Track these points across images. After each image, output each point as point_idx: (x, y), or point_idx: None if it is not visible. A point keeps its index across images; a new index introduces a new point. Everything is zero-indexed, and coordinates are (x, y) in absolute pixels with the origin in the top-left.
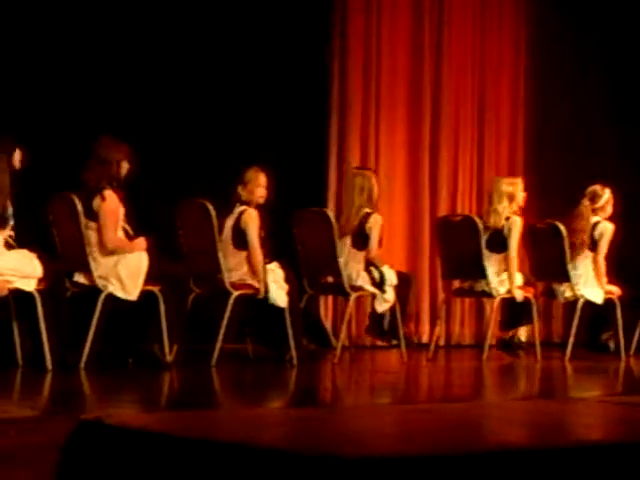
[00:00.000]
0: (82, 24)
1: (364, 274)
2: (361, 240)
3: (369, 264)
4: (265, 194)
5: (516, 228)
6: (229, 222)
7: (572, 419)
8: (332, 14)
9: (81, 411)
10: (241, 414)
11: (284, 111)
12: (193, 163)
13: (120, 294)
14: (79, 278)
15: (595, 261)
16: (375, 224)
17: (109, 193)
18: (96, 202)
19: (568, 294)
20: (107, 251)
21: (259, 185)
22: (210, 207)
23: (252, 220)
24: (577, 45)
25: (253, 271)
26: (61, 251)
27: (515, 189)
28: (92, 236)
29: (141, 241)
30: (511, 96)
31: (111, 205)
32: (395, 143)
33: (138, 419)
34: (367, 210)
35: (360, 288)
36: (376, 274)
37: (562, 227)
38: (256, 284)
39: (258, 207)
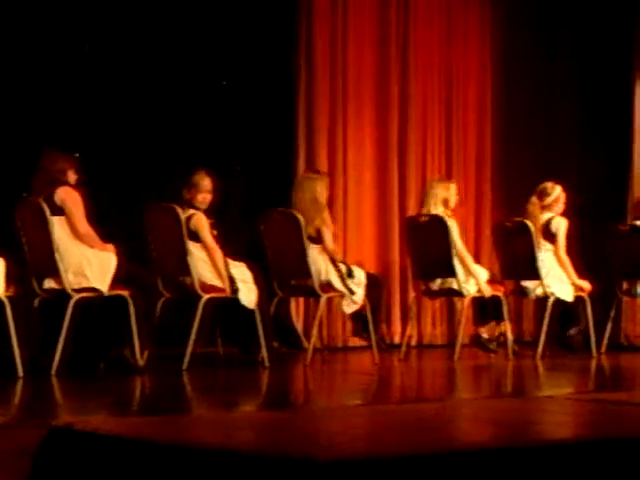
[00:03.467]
0: (31, 35)
1: (331, 269)
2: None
3: (332, 260)
4: (209, 199)
5: (454, 229)
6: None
7: (544, 417)
8: (298, 16)
9: (52, 417)
10: (213, 418)
11: (251, 113)
12: (160, 167)
13: (96, 285)
14: (49, 284)
15: (557, 257)
16: (322, 222)
17: (66, 187)
18: (57, 197)
19: (539, 291)
20: (79, 236)
21: (202, 190)
22: (178, 211)
23: (201, 224)
24: (544, 43)
25: (216, 270)
26: (30, 257)
27: (449, 193)
28: (59, 232)
29: (111, 246)
30: (478, 95)
31: (73, 196)
32: (363, 143)
33: (109, 425)
34: (317, 216)
35: (330, 287)
36: (343, 268)
37: (530, 225)
38: (221, 284)
39: (204, 211)
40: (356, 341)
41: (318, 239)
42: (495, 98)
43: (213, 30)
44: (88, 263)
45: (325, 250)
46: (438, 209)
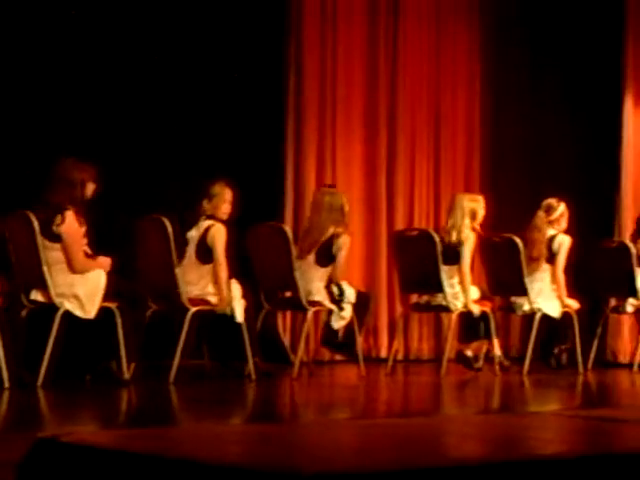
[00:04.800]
0: (36, 44)
1: (323, 291)
2: (325, 258)
3: (330, 281)
4: (230, 210)
5: (469, 242)
6: (194, 235)
7: (530, 433)
8: (288, 30)
9: (38, 429)
10: (200, 431)
11: (240, 126)
12: (150, 179)
13: (78, 313)
14: (36, 296)
15: (554, 274)
16: (344, 245)
17: (69, 214)
18: (56, 224)
19: (526, 307)
20: (74, 270)
21: (225, 201)
22: (167, 223)
23: (220, 236)
24: (533, 53)
25: (217, 287)
26: (17, 268)
27: (477, 206)
28: (50, 256)
29: (105, 260)
30: (467, 106)
31: (73, 227)
32: (351, 158)
33: (95, 437)
34: (338, 230)
35: (318, 303)
36: (335, 290)
37: (518, 241)
38: (215, 300)
39: (223, 222)
40: (341, 355)
41: (326, 262)
42: (484, 110)
43: (203, 42)
44: (74, 293)
45: (333, 275)
46: (465, 221)
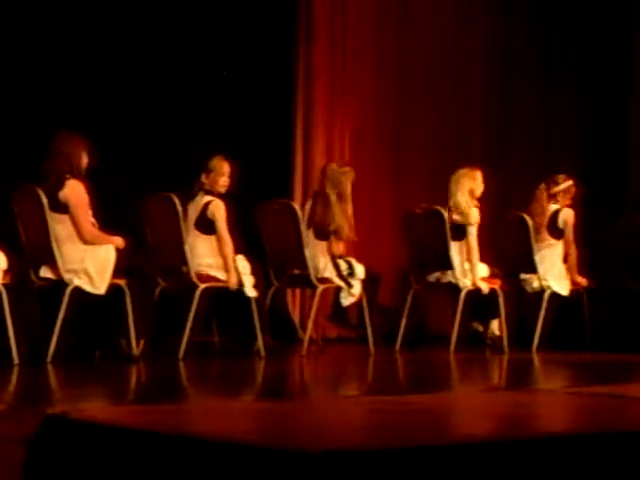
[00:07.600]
0: (40, 18)
1: (330, 266)
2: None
3: (334, 256)
4: (228, 183)
5: (474, 219)
6: (193, 210)
7: (539, 410)
8: (298, 7)
9: (48, 405)
10: (209, 408)
11: (250, 103)
12: (158, 155)
13: (88, 288)
14: (45, 272)
15: (567, 250)
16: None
17: (74, 182)
18: (62, 193)
19: (535, 285)
20: (83, 239)
21: (223, 174)
22: (176, 200)
23: (219, 211)
24: (542, 45)
25: (224, 262)
26: (26, 245)
27: (475, 183)
28: (57, 229)
29: (119, 239)
30: (478, 92)
31: (79, 195)
32: (361, 135)
33: (104, 413)
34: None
35: (327, 280)
36: (343, 266)
37: (528, 218)
38: (223, 276)
39: (222, 196)
40: (349, 332)
41: (326, 236)
42: (494, 95)
43: (213, 20)
44: (84, 268)
45: (330, 249)
46: (464, 199)
